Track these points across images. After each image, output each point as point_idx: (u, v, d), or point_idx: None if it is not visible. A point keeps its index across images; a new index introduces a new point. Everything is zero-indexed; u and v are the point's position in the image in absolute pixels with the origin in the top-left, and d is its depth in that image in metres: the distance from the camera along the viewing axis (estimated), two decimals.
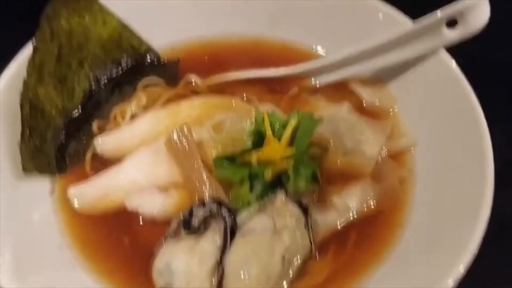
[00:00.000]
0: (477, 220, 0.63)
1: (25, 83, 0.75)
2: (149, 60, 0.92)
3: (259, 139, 0.74)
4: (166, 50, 0.95)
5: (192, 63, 0.94)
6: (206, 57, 0.95)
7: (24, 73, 0.76)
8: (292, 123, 0.74)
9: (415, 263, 0.66)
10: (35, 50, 0.77)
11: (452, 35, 0.78)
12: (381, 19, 0.88)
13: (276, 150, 0.72)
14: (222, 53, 0.96)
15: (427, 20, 0.79)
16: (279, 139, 0.74)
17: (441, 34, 0.78)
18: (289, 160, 0.72)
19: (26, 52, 0.79)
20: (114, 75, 0.88)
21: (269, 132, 0.73)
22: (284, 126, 0.75)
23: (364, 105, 0.88)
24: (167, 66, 0.94)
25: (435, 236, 0.68)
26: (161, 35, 0.94)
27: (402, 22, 0.85)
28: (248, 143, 0.75)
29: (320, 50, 0.95)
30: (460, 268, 0.59)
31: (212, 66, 0.94)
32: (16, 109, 0.74)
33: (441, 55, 0.80)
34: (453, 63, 0.79)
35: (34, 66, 0.77)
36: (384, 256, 0.70)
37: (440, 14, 0.78)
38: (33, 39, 0.78)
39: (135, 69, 0.91)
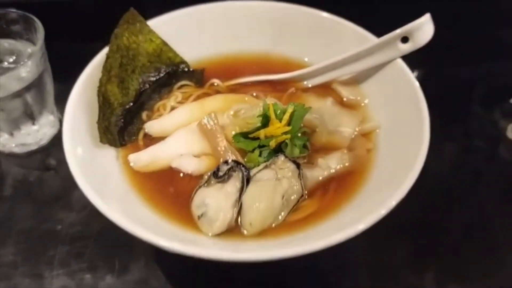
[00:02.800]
0: (412, 171, 0.83)
1: (100, 81, 0.98)
2: (181, 69, 1.14)
3: (265, 121, 0.93)
4: (194, 62, 1.16)
5: (214, 71, 1.16)
6: (225, 67, 1.17)
7: (98, 73, 0.99)
8: (289, 110, 0.94)
9: (373, 200, 0.85)
10: (107, 58, 1.00)
11: (405, 48, 0.96)
12: (355, 36, 1.08)
13: (278, 128, 0.92)
14: (237, 64, 1.18)
15: (386, 37, 0.97)
16: (280, 121, 0.93)
17: (397, 47, 0.97)
18: (287, 134, 0.92)
19: (98, 58, 1.02)
20: (156, 79, 1.11)
21: (273, 116, 0.92)
22: (283, 112, 0.94)
23: (343, 99, 1.08)
24: (195, 73, 1.15)
25: (387, 183, 0.88)
26: (191, 51, 1.15)
27: (370, 39, 1.06)
28: (258, 124, 0.95)
29: (309, 60, 1.16)
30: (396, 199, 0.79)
31: (229, 73, 1.16)
32: (94, 98, 0.98)
33: (398, 62, 1.00)
34: (406, 68, 1.00)
35: (106, 69, 0.99)
36: (354, 198, 0.90)
37: (396, 32, 0.96)
38: (108, 50, 1.02)
39: (171, 75, 1.13)
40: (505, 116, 1.26)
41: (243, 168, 0.89)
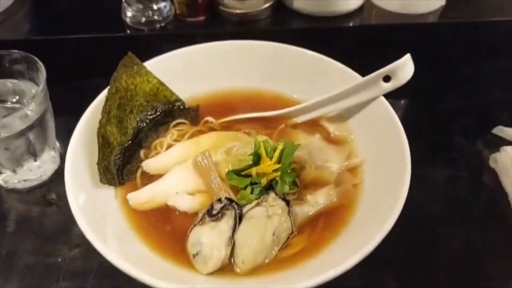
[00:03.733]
0: (396, 205, 0.88)
1: (100, 122, 1.03)
2: (177, 106, 1.20)
3: (257, 159, 0.97)
4: (189, 100, 1.22)
5: (208, 108, 1.21)
6: (218, 104, 1.22)
7: (97, 114, 1.05)
8: (279, 147, 0.99)
9: (360, 236, 0.90)
10: (106, 100, 1.05)
11: (387, 86, 1.03)
12: (341, 75, 1.12)
13: (268, 165, 0.95)
14: (230, 101, 1.23)
15: (370, 76, 1.02)
16: (271, 159, 0.96)
17: (379, 86, 1.02)
18: (277, 172, 0.96)
19: (98, 100, 1.08)
20: (153, 117, 1.16)
21: (263, 154, 0.96)
22: (274, 150, 0.97)
23: (331, 135, 1.11)
24: (190, 110, 1.21)
25: (372, 217, 0.93)
26: (186, 89, 1.21)
27: (355, 77, 1.10)
28: (250, 162, 1.00)
29: (298, 97, 1.22)
30: (382, 233, 0.84)
31: (222, 110, 1.21)
32: (95, 139, 1.03)
33: (380, 100, 1.06)
34: (388, 106, 1.05)
35: (105, 111, 1.02)
36: (341, 233, 0.94)
37: (379, 72, 1.01)
38: (107, 93, 1.08)
39: (168, 113, 1.18)
40: (487, 146, 1.31)
41: (235, 206, 0.94)
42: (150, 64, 1.19)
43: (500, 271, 1.05)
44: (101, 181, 1.01)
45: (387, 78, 1.02)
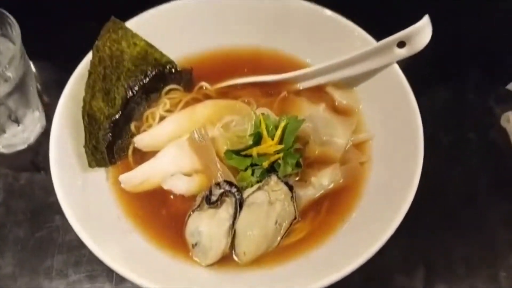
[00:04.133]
0: (409, 191, 0.83)
1: (84, 100, 0.93)
2: (168, 69, 1.09)
3: (257, 139, 0.91)
4: (181, 60, 1.11)
5: (202, 71, 1.11)
6: (214, 66, 1.12)
7: (78, 91, 0.95)
8: (282, 125, 0.92)
9: (368, 221, 0.87)
10: (89, 74, 0.95)
11: (401, 53, 0.93)
12: (352, 37, 1.03)
13: (270, 146, 0.90)
14: (226, 62, 1.13)
15: (384, 41, 0.94)
16: (272, 138, 0.90)
17: (393, 52, 0.94)
18: (280, 153, 0.90)
19: (77, 74, 0.97)
20: (142, 83, 1.06)
21: (265, 133, 0.90)
22: (276, 127, 0.92)
23: (336, 104, 1.04)
24: (183, 73, 1.11)
25: (382, 201, 0.88)
26: (177, 49, 1.10)
27: (368, 41, 1.00)
28: (250, 142, 0.93)
29: (303, 58, 1.11)
30: (397, 222, 0.80)
31: (218, 73, 1.11)
32: (79, 121, 0.94)
33: (393, 68, 0.97)
34: (401, 74, 0.96)
35: (89, 86, 0.94)
36: (347, 218, 0.90)
37: (392, 38, 0.92)
38: (90, 67, 0.96)
39: (159, 77, 1.08)
40: (499, 103, 1.23)
41: (235, 192, 0.89)
42: (137, 22, 1.07)
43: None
44: (90, 165, 0.94)
45: (401, 43, 0.93)
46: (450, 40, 1.20)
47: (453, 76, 1.28)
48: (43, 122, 1.22)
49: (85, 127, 0.95)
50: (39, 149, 1.19)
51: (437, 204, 1.06)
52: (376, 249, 0.78)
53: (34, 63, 1.16)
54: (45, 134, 1.19)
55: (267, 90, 1.08)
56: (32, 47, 1.07)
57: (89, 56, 0.99)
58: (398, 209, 0.82)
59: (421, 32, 0.92)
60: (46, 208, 1.08)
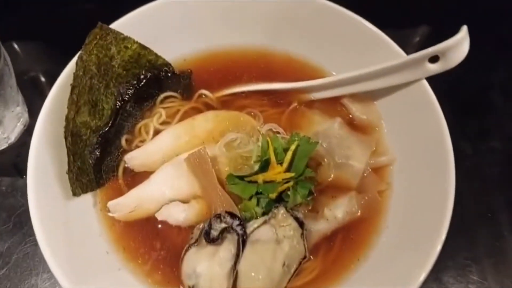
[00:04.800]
0: (440, 227, 0.74)
1: (67, 118, 0.82)
2: (164, 72, 0.98)
3: (265, 164, 0.83)
4: (179, 61, 1.01)
5: (203, 75, 1.00)
6: (215, 69, 1.01)
7: (58, 108, 0.84)
8: (292, 147, 0.83)
9: (389, 262, 0.78)
10: (72, 88, 0.83)
11: (433, 68, 0.85)
12: (379, 47, 0.92)
13: (278, 174, 0.81)
14: (229, 64, 1.02)
15: (414, 55, 0.85)
16: (281, 162, 0.82)
17: (424, 67, 0.85)
18: (289, 183, 0.81)
19: (55, 90, 0.85)
20: (134, 89, 0.95)
21: (273, 158, 0.82)
22: (285, 149, 0.83)
23: (354, 119, 0.95)
24: (181, 77, 0.99)
25: (406, 239, 0.80)
26: (174, 49, 0.99)
27: (397, 53, 0.90)
28: (255, 166, 0.83)
29: (316, 61, 0.99)
30: (427, 268, 0.71)
31: (220, 77, 1.00)
32: (60, 143, 0.82)
33: (422, 84, 0.87)
34: (431, 93, 0.86)
35: (73, 102, 0.83)
36: (364, 256, 0.82)
37: (425, 52, 0.83)
38: (73, 79, 0.85)
39: (153, 81, 0.97)
40: None
41: (238, 228, 0.79)
42: (130, 19, 0.95)
43: None
44: (74, 193, 0.83)
45: (433, 58, 0.85)
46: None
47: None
48: (25, 118, 1.10)
49: (68, 149, 0.83)
50: (21, 151, 1.07)
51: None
52: None
53: (17, 53, 1.05)
54: (28, 131, 1.08)
55: (276, 100, 0.98)
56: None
57: (72, 65, 0.86)
58: (426, 254, 0.73)
59: (459, 47, 0.83)
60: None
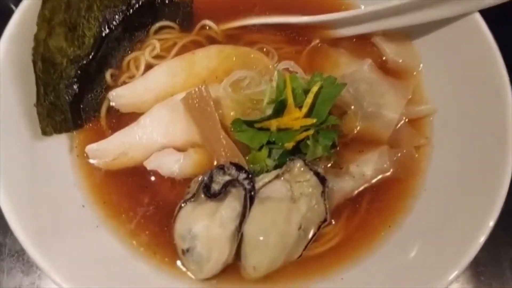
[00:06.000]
0: (495, 199, 0.62)
1: (36, 38, 0.70)
2: None
3: (280, 107, 0.70)
4: None
5: (206, 3, 0.86)
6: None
7: (26, 28, 0.69)
8: (314, 89, 0.70)
9: (425, 237, 0.67)
10: (44, 2, 0.70)
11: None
12: None
13: (296, 119, 0.70)
14: None
15: None
16: (300, 107, 0.70)
17: None
18: (309, 131, 0.69)
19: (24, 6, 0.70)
20: (124, 16, 0.81)
21: (290, 100, 0.69)
22: (305, 91, 0.71)
23: (387, 62, 0.83)
24: (180, 5, 0.87)
25: (448, 210, 0.68)
26: None
27: None
28: (268, 110, 0.70)
29: None
30: (473, 252, 0.60)
31: (228, 8, 0.87)
32: (27, 70, 0.69)
33: (475, 18, 0.73)
34: (486, 28, 0.72)
35: (44, 19, 0.71)
36: (397, 223, 0.71)
37: None
38: None
39: (146, 8, 0.84)
40: None
41: (245, 182, 0.67)
42: None
43: None
44: (43, 132, 0.70)
45: None
46: None
47: None
48: None
49: (37, 77, 0.71)
50: None
51: None
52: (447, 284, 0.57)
53: None
54: None
55: (294, 36, 0.86)
56: None
57: None
58: (478, 225, 0.62)
59: None
60: None
